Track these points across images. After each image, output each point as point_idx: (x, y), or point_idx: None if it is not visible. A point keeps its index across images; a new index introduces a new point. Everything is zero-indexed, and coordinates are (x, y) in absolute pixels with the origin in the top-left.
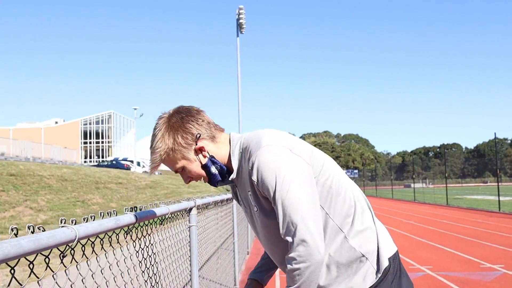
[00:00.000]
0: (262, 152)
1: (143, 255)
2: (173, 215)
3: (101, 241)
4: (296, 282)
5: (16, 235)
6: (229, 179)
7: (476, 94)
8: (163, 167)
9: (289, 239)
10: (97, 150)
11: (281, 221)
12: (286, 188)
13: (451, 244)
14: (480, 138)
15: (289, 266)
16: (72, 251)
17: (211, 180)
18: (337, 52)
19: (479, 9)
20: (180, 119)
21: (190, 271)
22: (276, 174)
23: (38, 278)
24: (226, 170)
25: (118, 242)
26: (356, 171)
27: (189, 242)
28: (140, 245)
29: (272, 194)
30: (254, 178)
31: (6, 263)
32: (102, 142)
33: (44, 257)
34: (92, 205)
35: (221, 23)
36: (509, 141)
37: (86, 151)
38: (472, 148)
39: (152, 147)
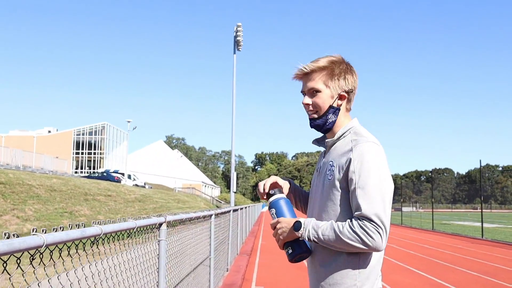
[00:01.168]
0: (370, 145)
1: (108, 263)
2: (146, 229)
3: (68, 249)
4: (349, 236)
5: None
6: (326, 140)
7: (469, 120)
8: (156, 181)
9: (362, 213)
10: (89, 161)
11: (359, 197)
12: (376, 179)
13: (428, 268)
14: (472, 164)
15: (355, 224)
16: (41, 255)
17: (319, 119)
18: None
19: (471, 35)
20: (355, 74)
21: (157, 281)
22: (376, 166)
23: (9, 275)
24: (329, 127)
25: (84, 250)
26: None
27: (158, 255)
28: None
29: (360, 176)
30: (354, 156)
31: None
32: (94, 153)
33: (16, 258)
34: (79, 217)
35: (218, 39)
36: (500, 168)
37: (78, 161)
38: (464, 173)
39: (324, 57)
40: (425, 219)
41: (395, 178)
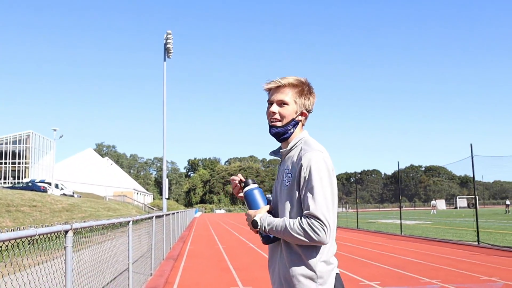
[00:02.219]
0: (317, 154)
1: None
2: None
3: None
4: (298, 231)
5: None
6: (280, 150)
7: (394, 123)
8: (85, 189)
9: (310, 212)
10: (13, 171)
11: (308, 198)
12: (322, 186)
13: (345, 264)
14: (397, 165)
15: (302, 221)
16: None
17: (281, 127)
18: (262, 75)
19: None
20: (315, 96)
21: (64, 285)
22: (320, 172)
23: None
24: (287, 137)
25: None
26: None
27: (65, 260)
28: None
29: (309, 180)
30: (303, 164)
31: None
32: (19, 163)
33: None
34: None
35: (148, 46)
36: (423, 168)
37: (1, 172)
38: (390, 174)
39: (292, 76)
40: (352, 218)
41: None
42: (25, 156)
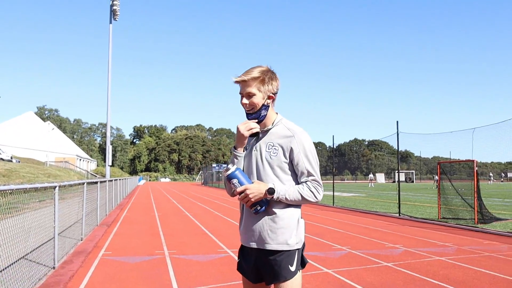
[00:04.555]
0: (306, 134)
1: None
2: None
3: None
4: (308, 194)
5: None
6: (263, 129)
7: (342, 96)
8: (25, 154)
9: (315, 178)
10: None
11: (309, 168)
12: (315, 158)
13: None
14: (342, 138)
15: (309, 186)
16: None
17: (254, 114)
18: (214, 43)
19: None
20: (278, 80)
21: None
22: (313, 148)
23: None
24: (262, 120)
25: None
26: (225, 165)
27: None
28: None
29: (306, 155)
30: (297, 141)
31: None
32: None
33: None
34: None
35: (94, 7)
36: (366, 142)
37: None
38: (335, 147)
39: (256, 68)
40: None
41: None
42: None
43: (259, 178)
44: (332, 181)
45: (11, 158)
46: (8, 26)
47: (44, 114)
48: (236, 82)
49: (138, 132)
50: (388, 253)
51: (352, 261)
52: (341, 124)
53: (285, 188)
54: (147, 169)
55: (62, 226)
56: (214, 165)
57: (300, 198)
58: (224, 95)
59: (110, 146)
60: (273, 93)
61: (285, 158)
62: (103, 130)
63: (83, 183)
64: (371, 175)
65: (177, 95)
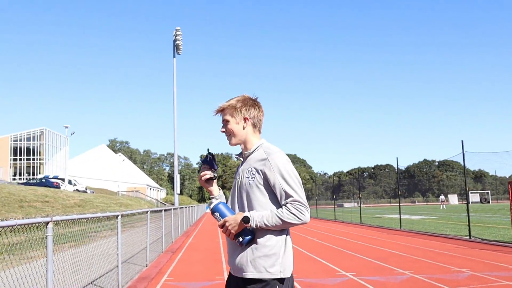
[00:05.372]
0: (280, 154)
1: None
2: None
3: None
4: (288, 217)
5: None
6: (244, 153)
7: (408, 117)
8: (98, 185)
9: (294, 199)
10: (28, 167)
11: (287, 188)
12: (294, 178)
13: (329, 256)
14: (411, 160)
15: (289, 207)
16: None
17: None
18: (273, 71)
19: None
20: (257, 107)
21: (46, 267)
22: (289, 167)
23: None
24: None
25: None
26: None
27: (46, 246)
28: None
29: (281, 175)
30: (271, 163)
31: None
32: (33, 159)
33: None
34: None
35: (158, 42)
36: (436, 163)
37: (15, 168)
38: (403, 169)
39: (232, 99)
40: (354, 213)
41: (340, 175)
42: (39, 153)
43: (241, 204)
44: (398, 204)
45: (86, 189)
46: (83, 66)
47: (115, 146)
48: (216, 112)
49: None
50: (453, 278)
51: (414, 285)
52: (408, 146)
53: (262, 214)
54: None
55: (127, 253)
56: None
57: (281, 222)
58: (289, 121)
59: (178, 175)
60: (249, 118)
61: (262, 181)
62: (171, 160)
63: (147, 212)
64: (442, 197)
65: None
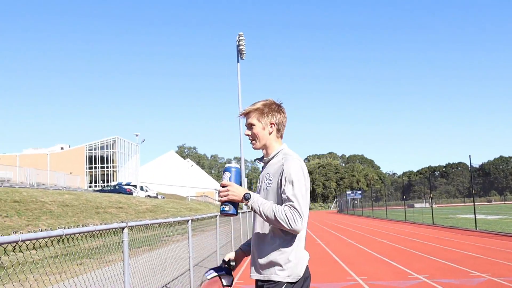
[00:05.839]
0: (295, 161)
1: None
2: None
3: (30, 245)
4: (281, 216)
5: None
6: (264, 158)
7: (481, 112)
8: (168, 191)
9: (293, 205)
10: (102, 175)
11: (289, 194)
12: (300, 185)
13: (400, 258)
14: (486, 157)
15: (286, 210)
16: (20, 247)
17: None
18: (341, 72)
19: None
20: (282, 112)
21: (123, 271)
22: (297, 175)
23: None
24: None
25: (52, 245)
26: (359, 192)
27: (123, 251)
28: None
29: (290, 181)
30: (284, 169)
31: None
32: (107, 167)
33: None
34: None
35: (222, 48)
36: None
37: (91, 176)
38: (477, 167)
39: (258, 102)
40: (426, 214)
41: (409, 174)
42: (113, 160)
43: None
44: (472, 203)
45: (157, 194)
46: (151, 74)
47: (184, 152)
48: (241, 115)
49: None
50: None
51: None
52: (482, 142)
53: (262, 201)
54: None
55: (198, 257)
56: (348, 192)
57: (273, 217)
58: (356, 121)
59: (245, 179)
60: (275, 123)
61: (276, 187)
62: (239, 164)
63: (216, 216)
64: None
65: (307, 125)
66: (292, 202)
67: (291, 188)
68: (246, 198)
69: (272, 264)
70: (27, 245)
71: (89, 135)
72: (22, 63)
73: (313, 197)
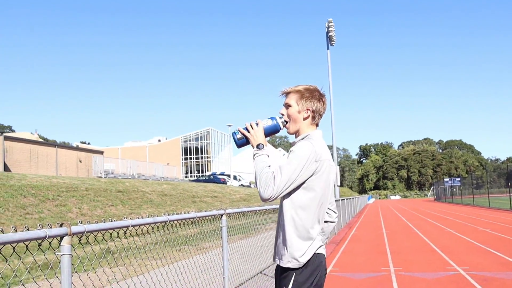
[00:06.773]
0: (306, 144)
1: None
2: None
3: (137, 230)
4: (261, 176)
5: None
6: (293, 141)
7: None
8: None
9: (277, 171)
10: (197, 165)
11: (281, 164)
12: (295, 164)
13: (505, 248)
14: None
15: (268, 175)
16: (130, 232)
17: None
18: (434, 56)
19: None
20: (322, 101)
21: (222, 256)
22: (298, 156)
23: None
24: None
25: (158, 230)
26: (458, 179)
27: (221, 237)
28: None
29: (289, 155)
30: (295, 146)
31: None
32: (201, 158)
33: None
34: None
35: (311, 36)
36: None
37: (187, 166)
38: None
39: (301, 85)
40: None
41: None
42: (207, 151)
43: None
44: None
45: (250, 184)
46: (240, 65)
47: (275, 141)
48: (282, 94)
49: (365, 151)
50: None
51: None
52: None
53: (263, 159)
54: (376, 187)
55: None
56: (446, 179)
57: (258, 173)
58: (453, 105)
59: (338, 167)
60: (311, 110)
61: None
62: (330, 152)
63: None
64: None
65: (401, 111)
66: (277, 171)
67: (285, 161)
68: (258, 147)
69: (280, 249)
70: (136, 230)
71: (184, 127)
72: (123, 63)
73: (408, 185)
